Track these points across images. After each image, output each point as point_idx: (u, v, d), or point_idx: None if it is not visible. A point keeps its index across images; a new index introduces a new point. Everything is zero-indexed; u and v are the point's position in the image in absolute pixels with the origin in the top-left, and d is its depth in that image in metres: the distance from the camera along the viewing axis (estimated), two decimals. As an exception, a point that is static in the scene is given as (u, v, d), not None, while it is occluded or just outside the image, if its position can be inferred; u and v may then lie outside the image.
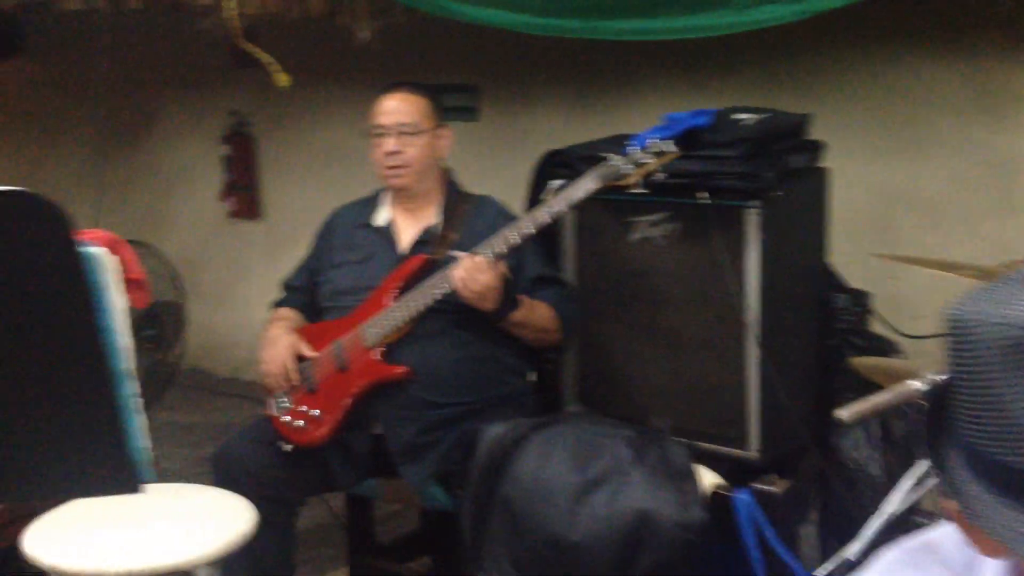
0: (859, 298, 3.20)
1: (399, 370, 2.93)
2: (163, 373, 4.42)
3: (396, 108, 3.09)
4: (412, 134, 3.06)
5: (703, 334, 3.06)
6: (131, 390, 1.37)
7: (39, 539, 2.23)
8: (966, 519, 0.99)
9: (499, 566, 2.16)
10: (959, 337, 0.96)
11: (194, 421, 5.09)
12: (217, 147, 5.88)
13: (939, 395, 1.03)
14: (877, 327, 3.25)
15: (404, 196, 3.15)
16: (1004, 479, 0.93)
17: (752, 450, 2.88)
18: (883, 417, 2.89)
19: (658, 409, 2.58)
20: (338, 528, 3.41)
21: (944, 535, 1.21)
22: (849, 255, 3.39)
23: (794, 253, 3.12)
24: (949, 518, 1.04)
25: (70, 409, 1.33)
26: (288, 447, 2.99)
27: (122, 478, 1.39)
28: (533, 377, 3.23)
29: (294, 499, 3.03)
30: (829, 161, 3.27)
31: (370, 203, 3.24)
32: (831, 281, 3.25)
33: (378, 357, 2.95)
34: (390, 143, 3.06)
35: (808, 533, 2.63)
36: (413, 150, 3.07)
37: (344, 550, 3.36)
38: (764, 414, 2.94)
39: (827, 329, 3.17)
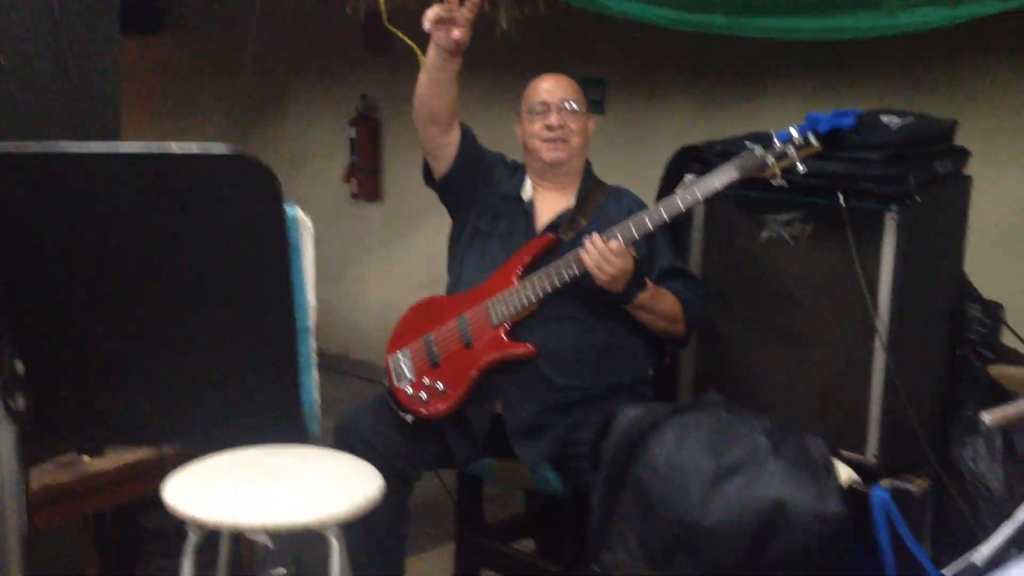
0: (992, 309, 3.12)
1: (525, 348, 2.97)
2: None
3: (559, 87, 3.15)
4: (573, 112, 3.11)
5: (828, 337, 3.02)
6: (311, 346, 1.43)
7: (179, 489, 2.33)
8: None
9: (626, 546, 2.18)
10: None
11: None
12: (345, 129, 6.02)
13: None
14: (1009, 340, 3.17)
15: (551, 174, 3.17)
16: None
17: (869, 455, 2.84)
18: (1007, 432, 2.82)
19: (776, 409, 2.55)
20: (447, 505, 3.46)
21: None
22: (984, 266, 3.30)
23: (930, 260, 3.06)
24: None
25: (257, 359, 1.40)
26: (409, 418, 3.04)
27: (294, 428, 1.46)
28: (651, 372, 3.24)
29: (411, 472, 3.09)
30: (970, 170, 3.20)
31: (520, 173, 3.27)
32: (965, 290, 3.18)
33: (504, 335, 2.99)
34: (554, 118, 3.10)
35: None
36: (575, 126, 3.13)
37: (451, 527, 3.41)
38: (885, 420, 2.89)
39: (957, 339, 3.11)
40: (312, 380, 1.44)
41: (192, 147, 1.28)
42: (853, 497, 1.99)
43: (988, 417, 1.66)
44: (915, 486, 1.90)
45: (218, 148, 1.28)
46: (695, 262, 3.26)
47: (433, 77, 3.05)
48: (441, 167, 3.23)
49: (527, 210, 3.18)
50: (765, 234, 3.13)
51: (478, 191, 3.22)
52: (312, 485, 2.39)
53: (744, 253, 3.17)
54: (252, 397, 1.42)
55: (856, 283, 2.92)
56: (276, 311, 1.34)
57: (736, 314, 3.19)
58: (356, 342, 6.10)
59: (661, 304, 3.00)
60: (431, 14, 2.89)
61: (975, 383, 3.09)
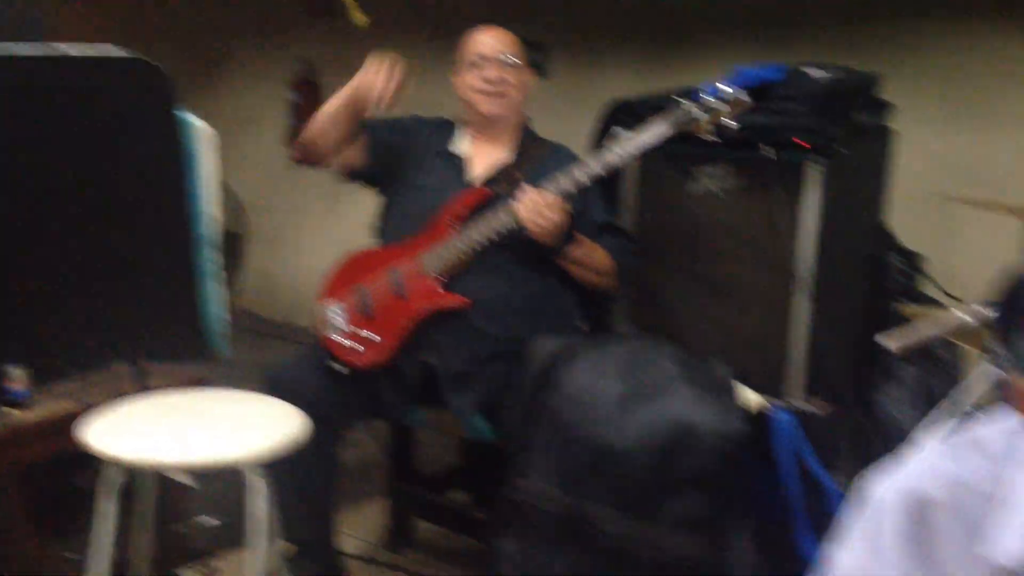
0: (913, 260, 3.19)
1: (458, 301, 2.98)
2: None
3: (497, 40, 3.15)
4: (512, 66, 3.12)
5: (754, 286, 3.08)
6: (212, 256, 1.42)
7: (99, 429, 2.31)
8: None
9: (541, 473, 2.21)
10: None
11: (244, 360, 5.19)
12: (285, 93, 5.97)
13: (1013, 284, 1.06)
14: (929, 290, 3.24)
15: (488, 127, 3.17)
16: None
17: (798, 400, 2.89)
18: (927, 378, 2.88)
19: (746, 380, 2.61)
20: (383, 464, 3.47)
21: (986, 429, 1.23)
22: (907, 218, 3.37)
23: (852, 210, 3.13)
24: (1014, 399, 1.06)
25: (153, 267, 1.39)
26: (343, 369, 3.04)
27: (196, 344, 1.45)
28: (586, 327, 3.27)
29: (341, 421, 3.09)
30: (895, 125, 3.26)
31: (446, 128, 3.27)
32: (886, 241, 3.25)
33: (438, 286, 3.00)
34: (492, 72, 3.10)
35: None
36: (513, 80, 3.13)
37: (385, 480, 3.42)
38: (809, 368, 2.96)
39: (878, 287, 3.17)
40: (215, 292, 1.44)
41: (88, 49, 1.26)
42: (757, 418, 2.04)
43: (891, 342, 1.70)
44: (818, 408, 1.94)
45: (114, 51, 1.27)
46: (628, 216, 3.29)
47: (339, 115, 3.04)
48: (356, 165, 3.24)
49: (459, 164, 3.18)
50: (695, 187, 3.17)
51: (402, 161, 3.23)
52: (235, 425, 2.39)
53: (675, 206, 3.21)
54: (149, 307, 1.41)
55: (781, 234, 2.98)
56: (170, 217, 1.34)
57: (670, 266, 3.24)
58: (298, 308, 6.07)
59: (592, 258, 3.03)
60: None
61: (915, 346, 3.15)
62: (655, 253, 3.25)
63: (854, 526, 1.26)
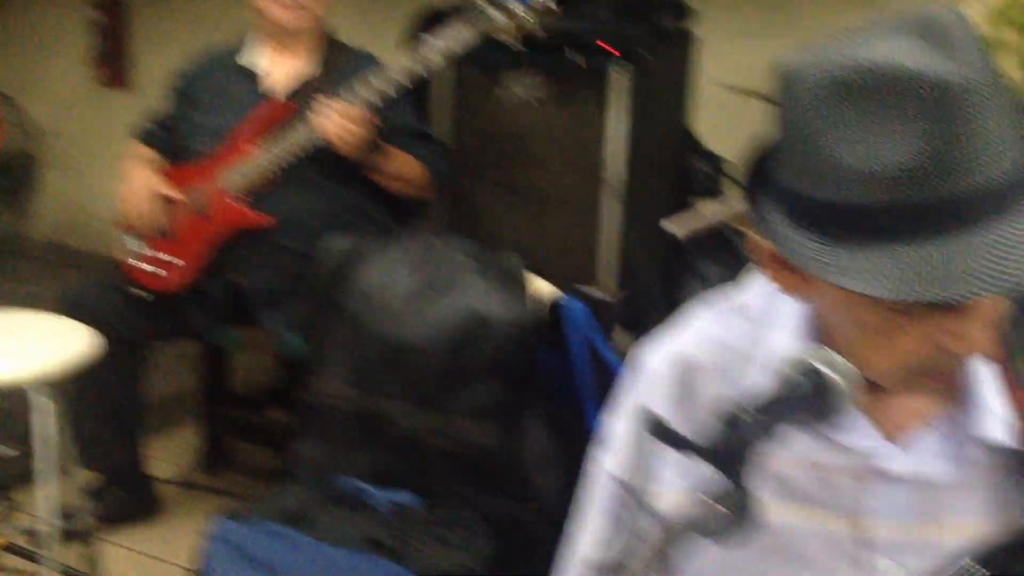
0: (716, 162, 3.28)
1: (262, 219, 2.89)
2: (12, 239, 4.25)
3: None
4: None
5: (566, 193, 3.13)
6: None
7: None
8: (778, 257, 1.05)
9: (337, 373, 2.19)
10: (783, 82, 1.00)
11: (46, 292, 4.93)
12: (87, 11, 5.62)
13: (760, 152, 1.07)
14: (732, 191, 3.34)
15: (284, 38, 3.03)
16: (811, 213, 0.98)
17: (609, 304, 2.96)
18: (728, 275, 2.98)
19: (538, 271, 2.64)
20: (194, 383, 3.37)
21: (748, 291, 1.25)
22: (711, 124, 3.45)
23: (658, 116, 3.18)
24: (761, 262, 1.08)
25: None
26: (145, 294, 2.94)
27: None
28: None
29: (144, 344, 2.99)
30: (699, 32, 3.31)
31: (234, 48, 3.14)
32: (691, 145, 3.32)
33: (241, 204, 2.90)
34: None
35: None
36: None
37: (200, 404, 3.33)
38: (620, 271, 3.04)
39: (684, 190, 3.26)
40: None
41: None
42: (550, 307, 2.07)
43: (673, 226, 1.73)
44: (608, 294, 1.98)
45: None
46: (441, 125, 3.26)
47: None
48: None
49: (253, 77, 3.06)
50: (507, 95, 3.16)
51: (187, 99, 3.10)
52: (20, 344, 2.26)
53: (488, 114, 3.20)
54: None
55: (589, 139, 3.02)
56: None
57: (483, 175, 3.24)
58: (103, 237, 5.79)
59: (404, 169, 2.97)
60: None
61: (709, 240, 3.24)
62: (470, 161, 3.24)
63: (626, 394, 1.28)
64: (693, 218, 1.73)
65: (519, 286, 2.03)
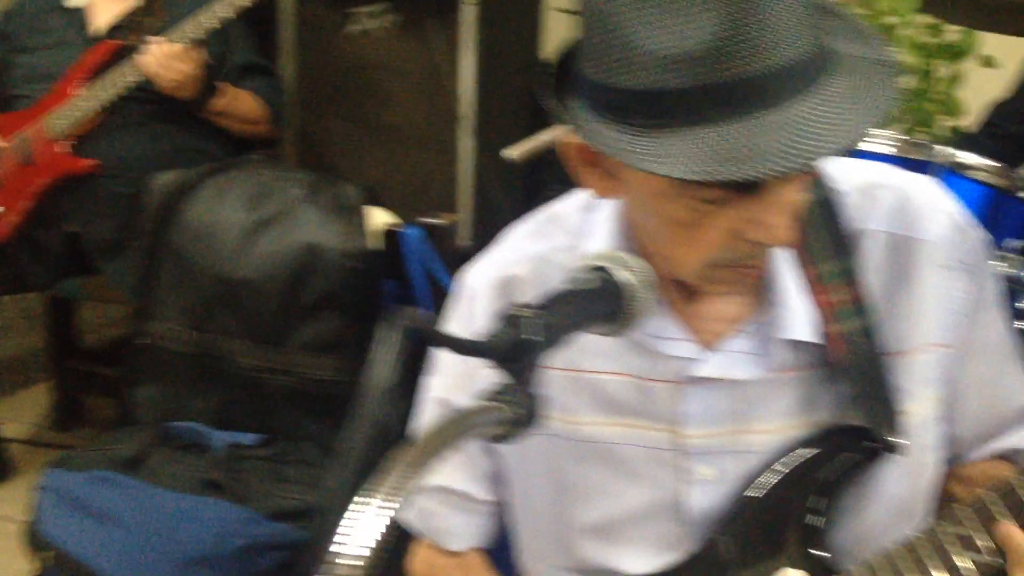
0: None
1: (87, 163, 2.76)
2: None
3: None
4: None
5: (419, 128, 3.08)
6: None
7: None
8: (586, 155, 1.04)
9: (170, 313, 2.13)
10: None
11: None
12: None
13: (565, 49, 1.06)
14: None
15: None
16: (617, 103, 0.97)
17: (465, 240, 2.94)
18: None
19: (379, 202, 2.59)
20: (40, 336, 3.25)
21: (565, 204, 1.25)
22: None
23: (508, 47, 3.15)
24: (571, 162, 1.07)
25: None
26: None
27: None
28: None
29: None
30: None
31: None
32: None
33: (65, 150, 2.76)
34: None
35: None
36: None
37: (48, 358, 3.21)
38: (476, 204, 3.01)
39: (538, 122, 3.24)
40: None
41: None
42: (388, 236, 2.04)
43: (512, 152, 1.72)
44: (447, 220, 1.97)
45: None
46: (286, 61, 3.18)
47: None
48: None
49: (79, 17, 2.89)
50: (355, 28, 3.08)
51: (9, 43, 2.93)
52: None
53: (336, 48, 3.13)
54: None
55: (440, 72, 2.97)
56: None
57: (333, 111, 3.17)
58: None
59: (239, 107, 2.85)
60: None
61: (557, 162, 3.23)
62: (318, 96, 3.16)
63: (450, 315, 1.26)
64: (529, 142, 1.72)
65: (355, 217, 1.99)
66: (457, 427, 0.77)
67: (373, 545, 0.69)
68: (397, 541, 1.34)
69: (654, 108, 0.94)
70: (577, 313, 0.90)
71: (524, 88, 3.27)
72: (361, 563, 0.69)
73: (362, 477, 0.70)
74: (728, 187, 0.95)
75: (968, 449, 1.23)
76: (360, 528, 0.69)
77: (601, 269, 0.96)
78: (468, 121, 3.00)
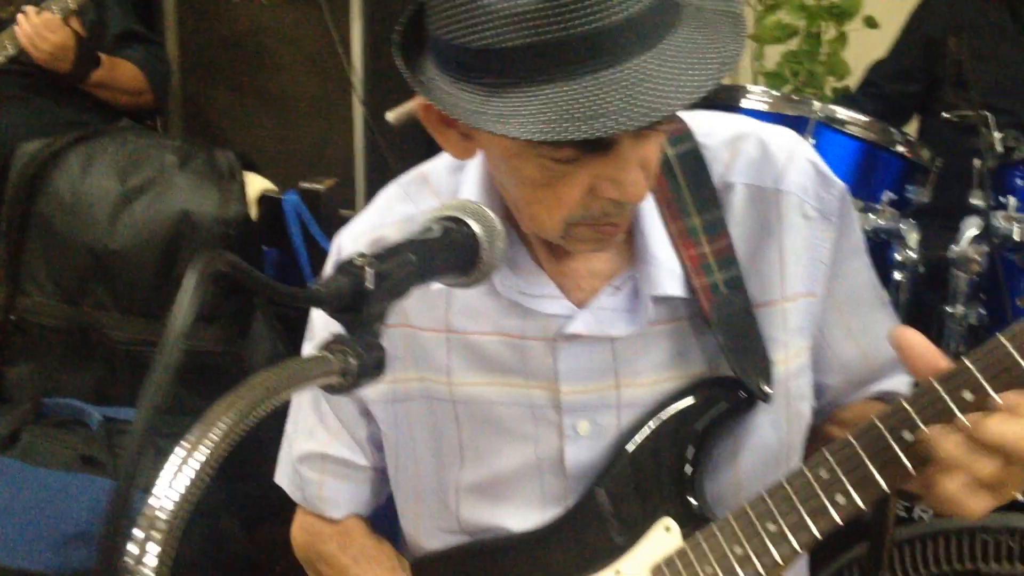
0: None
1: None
2: None
3: None
4: None
5: (310, 96, 3.02)
6: None
7: None
8: (442, 116, 1.01)
9: (40, 287, 2.06)
10: None
11: None
12: None
13: (411, 9, 1.04)
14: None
15: None
16: (464, 63, 0.95)
17: (359, 209, 2.91)
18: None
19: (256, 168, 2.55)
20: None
21: (435, 165, 1.23)
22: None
23: (401, 12, 3.10)
24: (428, 123, 1.05)
25: None
26: None
27: None
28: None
29: None
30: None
31: None
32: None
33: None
34: None
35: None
36: None
37: None
38: (371, 175, 2.98)
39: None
40: None
41: None
42: (266, 203, 2.01)
43: (391, 115, 1.70)
44: (323, 185, 1.94)
45: None
46: (170, 30, 3.09)
47: None
48: None
49: None
50: (238, -6, 3.01)
51: None
52: None
53: (221, 16, 3.05)
54: None
55: (330, 39, 2.92)
56: None
57: (220, 80, 3.09)
58: None
59: (119, 77, 2.77)
60: None
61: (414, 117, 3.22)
62: (204, 65, 3.09)
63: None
64: (408, 105, 1.70)
65: (231, 183, 1.95)
66: (282, 377, 0.75)
67: (181, 495, 0.68)
68: (279, 511, 1.33)
69: (498, 67, 0.93)
70: (420, 263, 0.88)
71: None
72: (168, 514, 0.67)
73: (156, 424, 0.68)
74: (579, 146, 0.94)
75: (843, 395, 1.25)
76: (171, 476, 0.68)
77: (448, 219, 0.94)
78: (359, 89, 2.96)
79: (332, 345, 0.81)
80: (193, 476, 0.68)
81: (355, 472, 1.28)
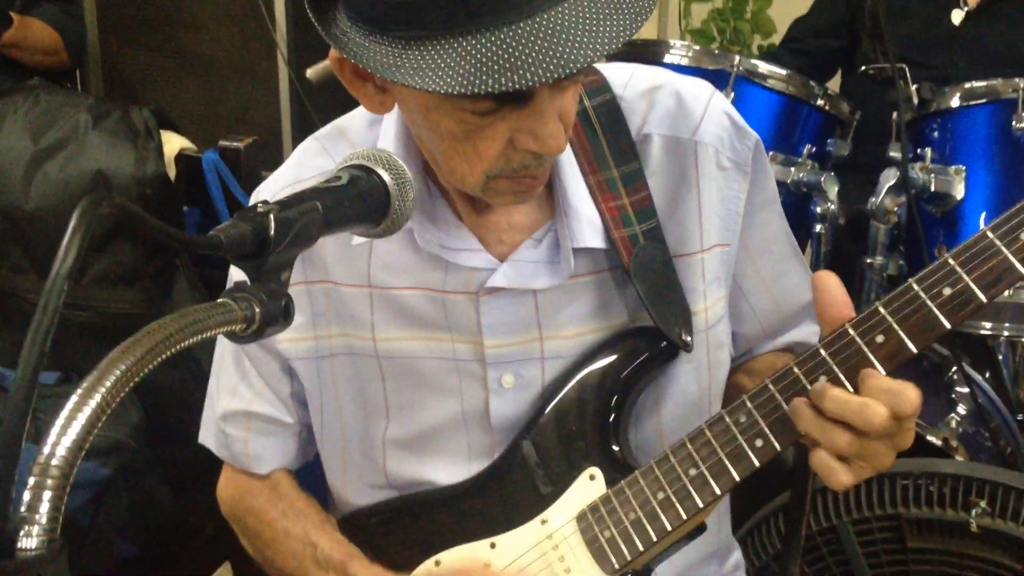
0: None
1: None
2: None
3: None
4: None
5: (234, 57, 2.97)
6: None
7: None
8: (357, 69, 0.99)
9: None
10: None
11: None
12: None
13: None
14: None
15: None
16: (377, 15, 0.93)
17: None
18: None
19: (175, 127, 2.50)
20: None
21: (352, 119, 1.22)
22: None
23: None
24: (343, 77, 1.03)
25: None
26: None
27: None
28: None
29: None
30: None
31: None
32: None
33: None
34: None
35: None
36: None
37: None
38: (297, 135, 2.94)
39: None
40: None
41: None
42: (184, 162, 1.97)
43: (310, 72, 1.67)
44: (242, 143, 1.91)
45: None
46: (84, -11, 3.00)
47: None
48: None
49: None
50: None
51: None
52: None
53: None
54: None
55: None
56: None
57: (139, 40, 3.02)
58: None
59: (31, 37, 2.67)
60: None
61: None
62: (122, 24, 3.01)
63: None
64: (327, 62, 1.67)
65: (148, 142, 1.90)
66: (180, 324, 0.74)
67: (76, 440, 0.67)
68: (208, 474, 1.32)
69: (411, 19, 0.91)
70: (325, 211, 0.86)
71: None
72: (60, 460, 0.66)
73: (42, 368, 0.67)
74: (496, 98, 0.93)
75: (757, 345, 1.28)
76: (64, 423, 0.67)
77: (356, 168, 0.93)
78: (283, 48, 2.92)
79: (235, 293, 0.80)
80: (85, 423, 0.66)
81: (281, 429, 1.27)
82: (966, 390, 2.01)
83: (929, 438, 1.78)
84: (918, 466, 1.55)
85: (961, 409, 2.00)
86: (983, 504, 1.45)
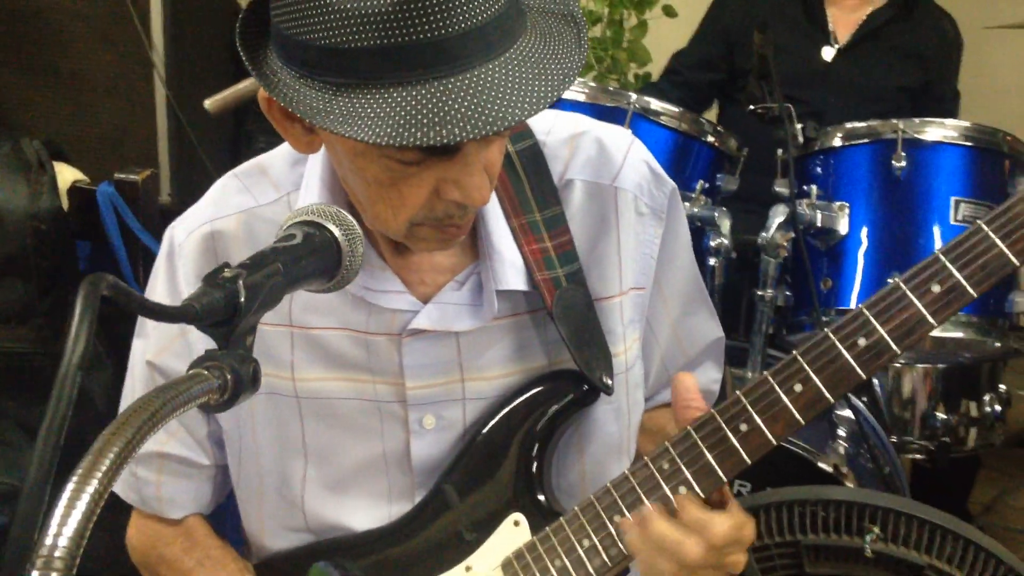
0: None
1: None
2: None
3: None
4: None
5: (110, 78, 2.86)
6: None
7: None
8: (285, 111, 0.98)
9: None
10: None
11: None
12: None
13: (255, 3, 1.00)
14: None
15: None
16: (311, 61, 0.93)
17: (165, 196, 2.79)
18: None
19: (66, 158, 2.39)
20: None
21: (273, 158, 1.20)
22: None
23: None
24: (272, 116, 1.02)
25: None
26: None
27: None
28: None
29: None
30: None
31: None
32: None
33: None
34: None
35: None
36: None
37: None
38: (176, 159, 2.86)
39: (243, 70, 3.11)
40: None
41: None
42: (78, 195, 1.90)
43: (208, 103, 1.63)
44: (139, 176, 1.85)
45: None
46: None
47: None
48: None
49: None
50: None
51: None
52: None
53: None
54: None
55: (127, 17, 2.77)
56: None
57: (6, 60, 2.88)
58: None
59: None
60: None
61: (231, 104, 3.14)
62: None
63: (156, 272, 1.20)
64: (229, 93, 1.63)
65: (39, 174, 1.82)
66: (162, 400, 0.72)
67: (78, 528, 0.65)
68: (112, 516, 1.27)
69: (343, 67, 0.91)
70: (286, 270, 0.86)
71: (227, 34, 3.13)
72: (66, 548, 0.65)
73: (57, 459, 0.66)
74: (424, 149, 0.94)
75: (658, 388, 1.30)
76: (64, 512, 0.66)
77: (308, 224, 0.93)
78: (161, 69, 2.83)
79: (206, 362, 0.78)
80: (85, 510, 0.65)
81: (196, 471, 1.25)
82: (846, 412, 2.10)
83: (820, 465, 1.85)
84: (813, 493, 1.61)
85: (841, 432, 2.08)
86: (876, 530, 1.51)
